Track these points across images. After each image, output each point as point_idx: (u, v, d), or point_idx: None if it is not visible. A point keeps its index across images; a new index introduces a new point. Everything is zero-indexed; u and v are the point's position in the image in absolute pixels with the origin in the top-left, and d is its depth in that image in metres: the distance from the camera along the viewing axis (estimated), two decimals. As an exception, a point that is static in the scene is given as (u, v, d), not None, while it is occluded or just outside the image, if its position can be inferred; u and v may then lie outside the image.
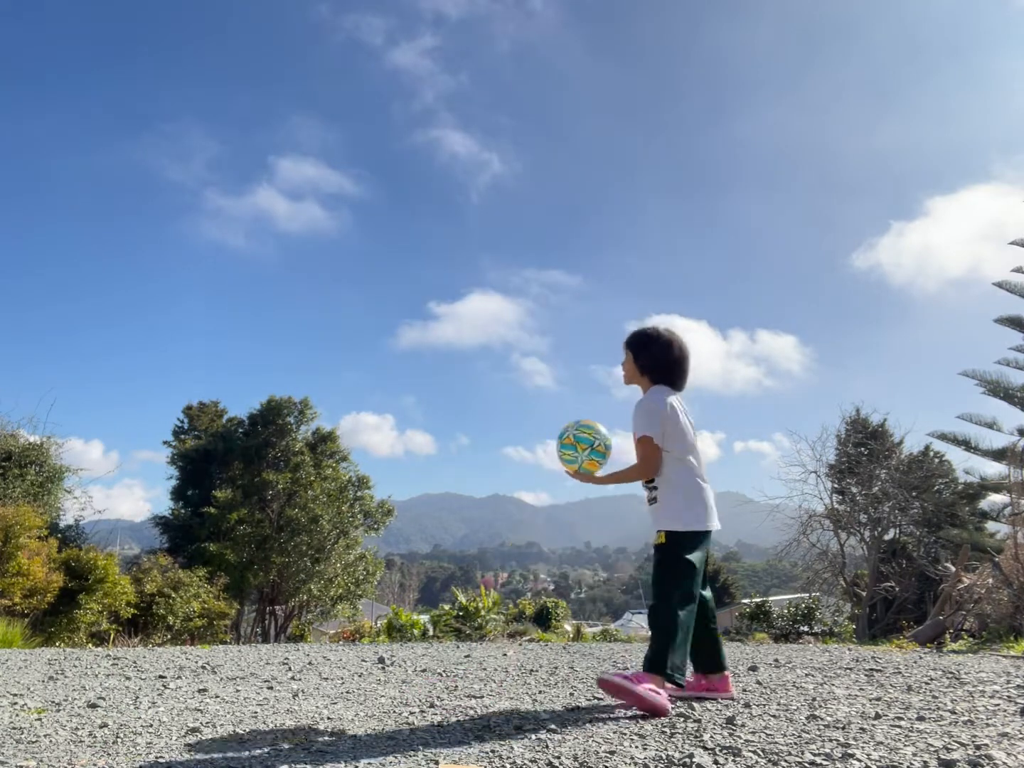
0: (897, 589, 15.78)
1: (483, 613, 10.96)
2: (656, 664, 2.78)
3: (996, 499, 17.04)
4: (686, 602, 2.86)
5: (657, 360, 3.12)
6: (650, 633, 2.94)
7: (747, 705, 2.92)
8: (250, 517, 16.53)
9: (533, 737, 2.39)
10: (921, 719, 2.59)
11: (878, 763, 1.97)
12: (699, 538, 2.96)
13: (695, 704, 2.90)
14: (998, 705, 2.86)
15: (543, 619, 13.58)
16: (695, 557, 2.91)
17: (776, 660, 4.87)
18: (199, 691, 3.65)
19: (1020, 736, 2.28)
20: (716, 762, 2.01)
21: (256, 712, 2.98)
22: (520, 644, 7.88)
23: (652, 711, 2.67)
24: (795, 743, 2.22)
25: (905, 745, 2.17)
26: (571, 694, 3.35)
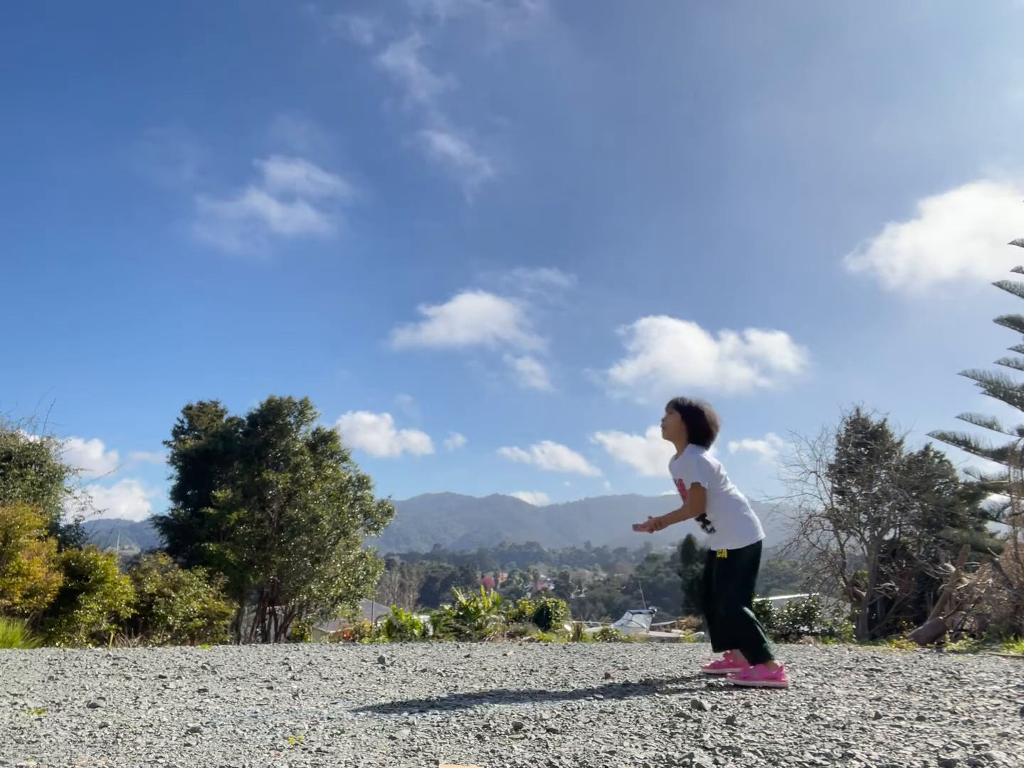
0: (897, 589, 15.77)
1: (483, 613, 10.95)
2: (758, 655, 3.55)
3: (996, 499, 17.02)
4: (747, 600, 3.73)
5: (702, 429, 3.95)
6: (735, 638, 3.72)
7: (747, 705, 2.92)
8: (250, 517, 16.51)
9: (533, 737, 2.39)
10: (921, 719, 2.59)
11: (878, 763, 1.97)
12: (752, 549, 3.80)
13: (697, 703, 2.90)
14: (998, 705, 2.86)
15: (543, 619, 13.56)
16: (750, 565, 3.79)
17: (776, 660, 4.87)
18: (199, 691, 3.65)
19: (1020, 736, 2.28)
20: (716, 762, 2.02)
21: (256, 712, 2.98)
22: (520, 644, 7.88)
23: (777, 687, 3.48)
24: (795, 743, 2.22)
25: (905, 745, 2.18)
26: (571, 694, 3.35)
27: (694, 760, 2.01)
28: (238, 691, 3.65)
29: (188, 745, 2.35)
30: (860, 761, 1.98)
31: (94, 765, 2.10)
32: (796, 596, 17.83)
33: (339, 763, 2.08)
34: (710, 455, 3.94)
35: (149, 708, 3.12)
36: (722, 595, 3.75)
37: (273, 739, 2.42)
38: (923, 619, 12.44)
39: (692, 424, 3.97)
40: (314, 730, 2.56)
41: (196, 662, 5.13)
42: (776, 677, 3.50)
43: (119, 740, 2.45)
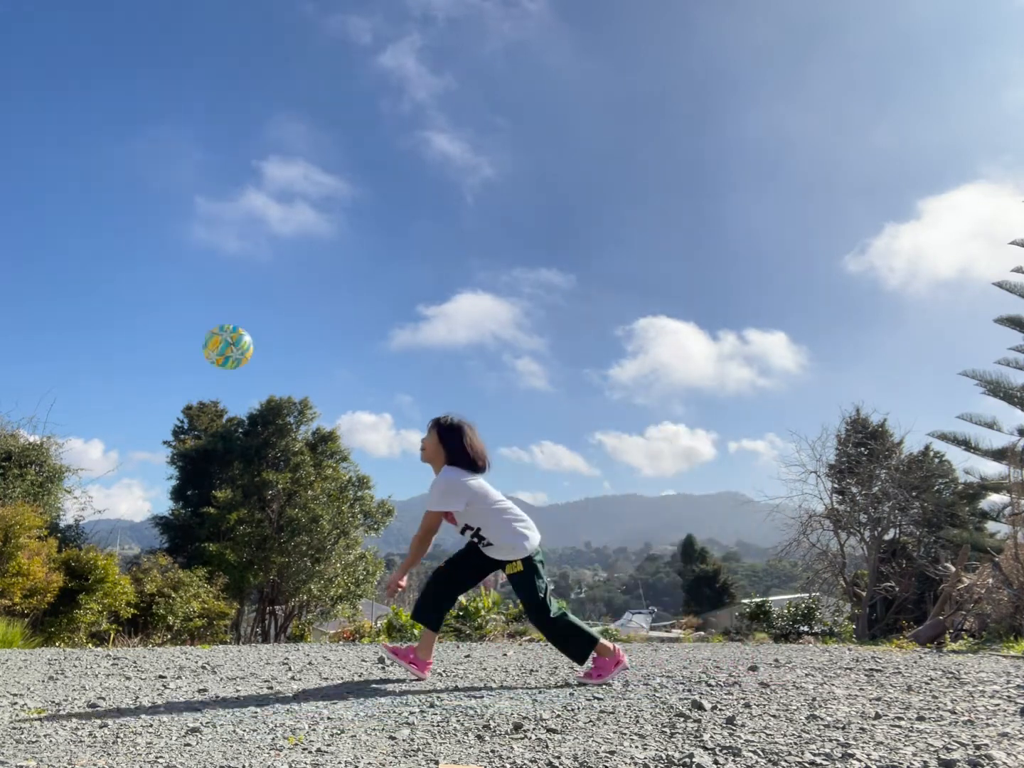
0: (897, 589, 15.77)
1: (483, 613, 10.94)
2: (591, 646, 3.61)
3: (996, 499, 17.03)
4: (552, 600, 3.68)
5: (459, 452, 3.68)
6: (560, 644, 3.72)
7: (747, 705, 2.92)
8: (250, 517, 16.51)
9: (533, 737, 2.39)
10: (921, 719, 2.59)
11: (878, 763, 1.97)
12: (537, 554, 3.79)
13: (697, 703, 2.90)
14: (998, 705, 2.86)
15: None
16: (541, 568, 3.75)
17: (776, 660, 4.87)
18: (199, 691, 3.65)
19: (1020, 736, 2.28)
20: (716, 762, 2.01)
21: (256, 712, 2.98)
22: (520, 644, 7.88)
23: (620, 669, 3.63)
24: (795, 743, 2.22)
25: (905, 745, 2.18)
26: (571, 694, 3.35)
27: (694, 760, 2.01)
28: (238, 691, 3.65)
29: (188, 745, 2.35)
30: (860, 761, 1.98)
31: (94, 765, 2.10)
32: (796, 596, 17.82)
33: (339, 763, 2.08)
34: (466, 475, 3.66)
35: (149, 708, 3.12)
36: (534, 605, 3.64)
37: (273, 739, 2.42)
38: (923, 619, 12.44)
39: (449, 445, 3.68)
40: (314, 730, 2.56)
41: (196, 662, 5.13)
42: (618, 661, 3.62)
43: (119, 740, 2.45)
